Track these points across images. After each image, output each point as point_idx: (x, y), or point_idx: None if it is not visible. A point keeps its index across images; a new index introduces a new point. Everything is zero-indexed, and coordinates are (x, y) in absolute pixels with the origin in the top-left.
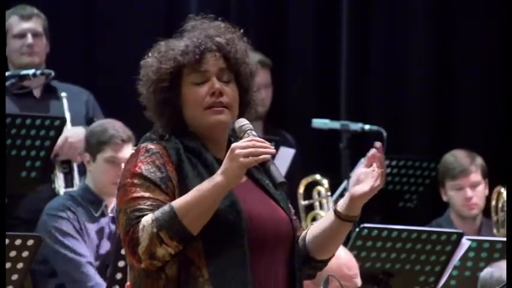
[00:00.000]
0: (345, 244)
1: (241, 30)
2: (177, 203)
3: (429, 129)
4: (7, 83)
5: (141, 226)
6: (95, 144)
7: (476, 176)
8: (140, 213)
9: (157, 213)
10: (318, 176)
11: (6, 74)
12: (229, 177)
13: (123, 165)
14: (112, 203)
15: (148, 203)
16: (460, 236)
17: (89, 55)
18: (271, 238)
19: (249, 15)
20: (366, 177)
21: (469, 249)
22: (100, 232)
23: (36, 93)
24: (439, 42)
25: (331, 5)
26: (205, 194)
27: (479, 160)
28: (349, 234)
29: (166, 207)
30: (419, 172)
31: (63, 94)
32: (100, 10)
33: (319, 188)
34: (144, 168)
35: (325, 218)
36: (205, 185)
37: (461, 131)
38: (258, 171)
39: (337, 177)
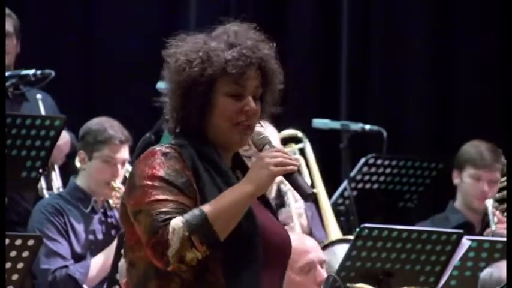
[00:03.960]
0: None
1: (274, 45)
2: (208, 208)
3: (429, 129)
4: (7, 83)
5: (171, 229)
6: (92, 143)
7: (497, 175)
8: (167, 216)
9: (188, 216)
10: None
11: (6, 74)
12: (259, 186)
13: (119, 166)
14: (101, 199)
15: (174, 206)
16: (460, 236)
17: (88, 56)
18: (278, 253)
19: (248, 15)
20: None
21: (469, 249)
22: (91, 228)
23: (9, 94)
24: (439, 42)
25: (331, 5)
26: (235, 200)
27: (503, 160)
28: (349, 234)
29: (196, 211)
30: (419, 172)
31: (39, 96)
32: (99, 11)
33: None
34: (164, 172)
35: None
36: (235, 192)
37: (461, 131)
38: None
39: (338, 177)
